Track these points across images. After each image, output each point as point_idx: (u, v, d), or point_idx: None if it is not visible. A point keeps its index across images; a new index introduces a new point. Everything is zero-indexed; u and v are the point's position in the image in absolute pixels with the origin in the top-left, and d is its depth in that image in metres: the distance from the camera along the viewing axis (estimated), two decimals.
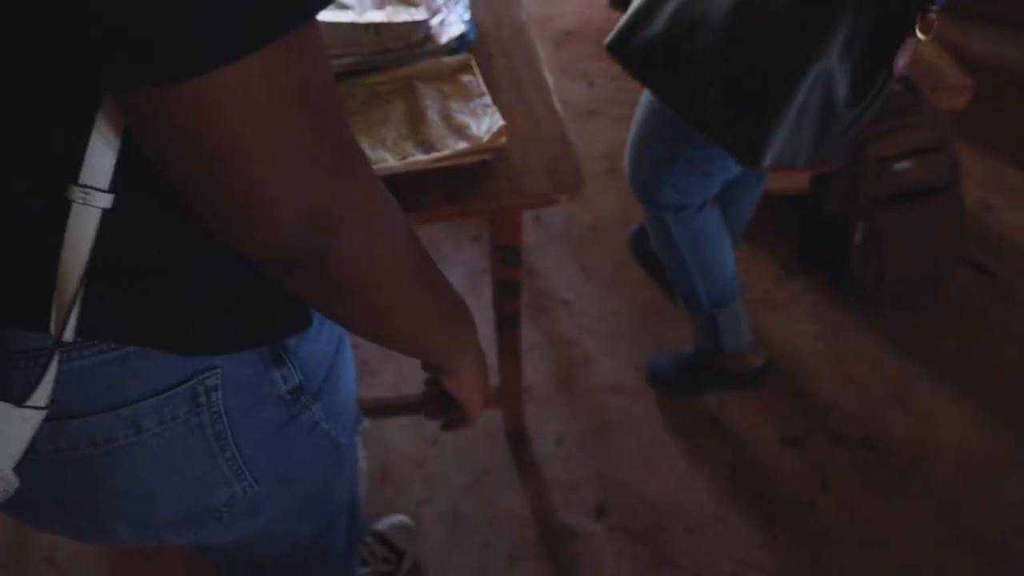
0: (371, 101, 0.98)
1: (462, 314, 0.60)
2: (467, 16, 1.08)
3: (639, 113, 1.25)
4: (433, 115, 0.96)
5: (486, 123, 0.94)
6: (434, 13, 1.08)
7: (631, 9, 1.01)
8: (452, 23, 1.06)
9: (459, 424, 0.73)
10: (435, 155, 0.91)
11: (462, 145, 0.92)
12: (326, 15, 1.05)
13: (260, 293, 0.50)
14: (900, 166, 1.69)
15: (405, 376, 1.66)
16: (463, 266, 1.86)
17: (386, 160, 0.90)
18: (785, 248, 1.89)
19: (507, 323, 1.23)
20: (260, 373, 0.56)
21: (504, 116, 0.97)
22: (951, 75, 1.81)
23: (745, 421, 1.58)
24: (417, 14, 1.06)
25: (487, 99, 0.97)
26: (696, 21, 0.93)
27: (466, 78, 1.01)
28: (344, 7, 1.08)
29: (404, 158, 0.91)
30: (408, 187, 0.91)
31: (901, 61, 0.83)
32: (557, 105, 1.01)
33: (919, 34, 0.80)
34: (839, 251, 1.76)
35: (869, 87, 0.87)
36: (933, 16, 0.79)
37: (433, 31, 1.06)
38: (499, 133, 0.92)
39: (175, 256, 0.47)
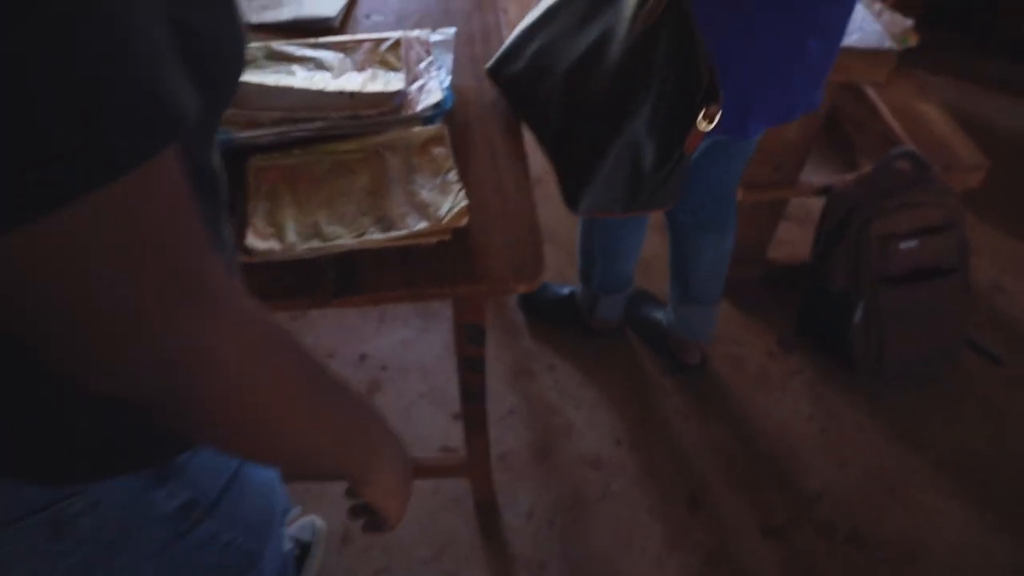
0: (336, 170, 0.95)
1: (367, 425, 0.55)
2: (447, 82, 1.05)
3: None
4: (397, 189, 0.92)
5: (449, 201, 0.90)
6: (414, 79, 1.05)
7: (507, 40, 1.09)
8: (431, 90, 1.03)
9: (379, 528, 0.68)
10: (392, 234, 0.87)
11: (421, 225, 0.88)
12: (301, 76, 1.02)
13: (121, 420, 0.46)
14: (906, 245, 1.63)
15: None
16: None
17: (341, 237, 0.87)
18: (783, 322, 1.83)
19: (472, 398, 1.18)
20: (139, 494, 0.52)
21: (474, 189, 0.94)
22: (966, 153, 1.75)
23: (727, 504, 1.51)
24: (394, 81, 1.02)
25: (454, 174, 0.93)
26: (545, 69, 1.03)
27: (437, 150, 0.97)
28: (323, 68, 1.06)
29: (359, 235, 0.87)
30: (363, 263, 0.87)
31: (691, 144, 0.95)
32: (530, 181, 0.97)
33: (700, 125, 0.92)
34: (839, 328, 1.69)
35: (668, 159, 0.98)
36: (715, 110, 0.90)
37: (410, 97, 1.03)
38: (461, 213, 0.88)
39: (16, 388, 0.43)
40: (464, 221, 0.88)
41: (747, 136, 1.20)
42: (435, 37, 1.12)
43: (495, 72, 1.09)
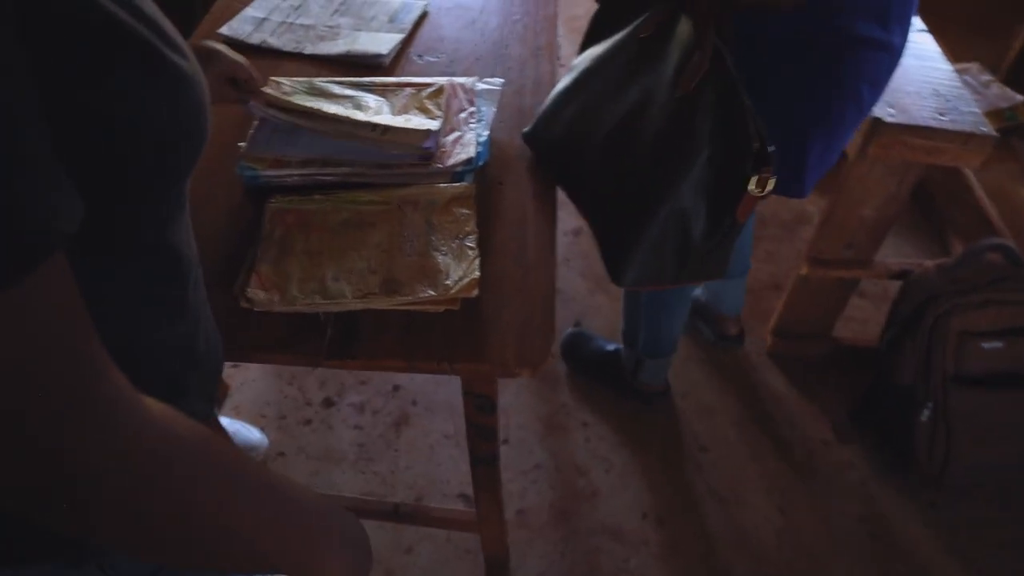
0: (353, 221, 0.91)
1: (302, 521, 0.51)
2: (485, 135, 1.00)
3: None
4: (410, 250, 0.88)
5: (461, 270, 0.85)
6: (451, 130, 1.01)
7: (544, 105, 1.05)
8: (466, 144, 0.99)
9: None
10: (396, 299, 0.83)
11: (429, 292, 0.83)
12: (334, 108, 1.00)
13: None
14: (988, 345, 1.47)
15: (400, 470, 1.57)
16: None
17: (344, 296, 0.83)
18: (841, 408, 1.69)
19: (482, 462, 1.13)
20: None
21: (494, 255, 0.89)
22: None
23: None
24: (430, 124, 0.98)
25: (472, 240, 0.88)
26: (583, 135, 0.98)
27: (460, 210, 0.92)
28: (360, 108, 1.03)
29: (363, 297, 0.83)
30: (364, 324, 0.83)
31: (743, 211, 0.89)
32: (555, 255, 0.91)
33: (753, 191, 0.86)
34: (902, 425, 1.55)
35: (719, 227, 0.92)
36: (767, 175, 0.85)
37: (443, 149, 0.98)
38: (471, 285, 0.83)
39: None
40: (474, 293, 0.83)
41: (804, 195, 1.14)
42: (481, 86, 1.08)
43: (532, 137, 1.05)
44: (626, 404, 1.69)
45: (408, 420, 1.66)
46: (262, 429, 1.59)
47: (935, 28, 1.53)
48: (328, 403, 1.67)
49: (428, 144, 0.96)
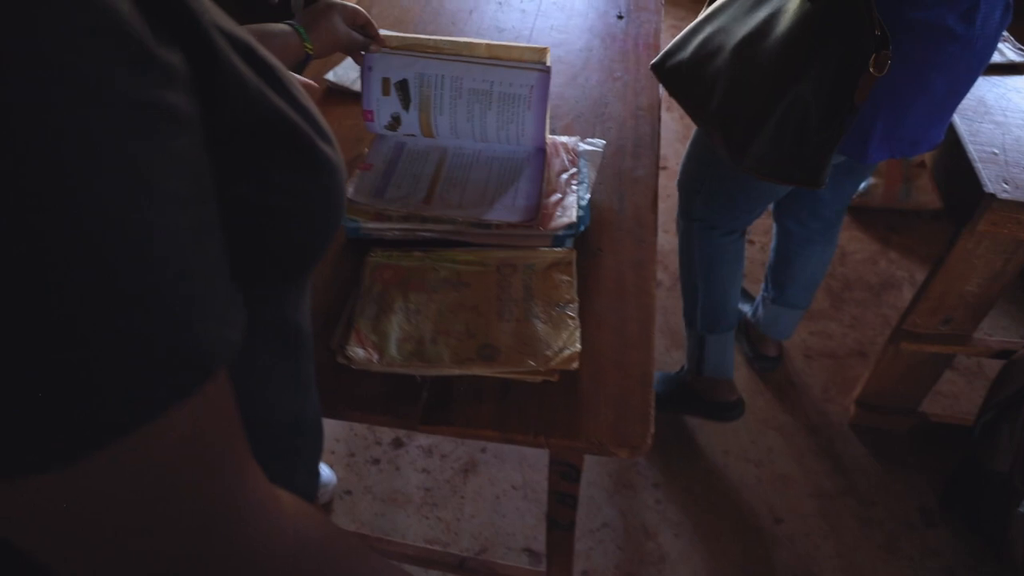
0: (451, 281, 0.90)
1: None
2: (586, 199, 0.99)
3: (694, 132, 1.45)
4: (509, 315, 0.86)
5: (561, 340, 0.83)
6: (552, 191, 1.00)
7: (673, 41, 1.23)
8: (568, 207, 0.97)
9: None
10: (495, 368, 0.81)
11: (528, 364, 0.81)
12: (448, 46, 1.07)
13: None
14: None
15: (466, 518, 1.55)
16: None
17: (443, 361, 0.82)
18: (927, 488, 1.61)
19: (559, 527, 1.10)
20: None
21: (592, 327, 0.87)
22: None
23: None
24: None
25: (573, 309, 0.87)
26: (713, 52, 1.15)
27: (561, 277, 0.91)
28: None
29: (462, 362, 0.82)
30: (460, 389, 0.82)
31: (862, 92, 1.01)
32: (654, 330, 0.88)
33: (872, 70, 0.98)
34: (996, 514, 1.46)
35: (835, 117, 1.05)
36: (885, 56, 0.97)
37: (545, 211, 0.97)
38: (571, 357, 0.81)
39: None
40: (574, 366, 0.81)
41: (866, 160, 1.23)
42: (583, 146, 1.07)
43: (659, 66, 1.23)
44: (698, 469, 1.64)
45: (476, 467, 1.64)
46: (331, 466, 1.59)
47: None
48: (397, 444, 1.67)
49: (538, 80, 1.00)
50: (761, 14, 1.09)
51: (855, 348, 1.89)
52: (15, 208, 0.23)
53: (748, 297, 1.92)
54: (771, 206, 1.57)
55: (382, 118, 1.05)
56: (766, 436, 1.71)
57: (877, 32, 0.97)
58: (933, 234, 2.17)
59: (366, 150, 1.05)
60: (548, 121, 1.05)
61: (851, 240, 2.18)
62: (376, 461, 1.64)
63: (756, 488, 1.62)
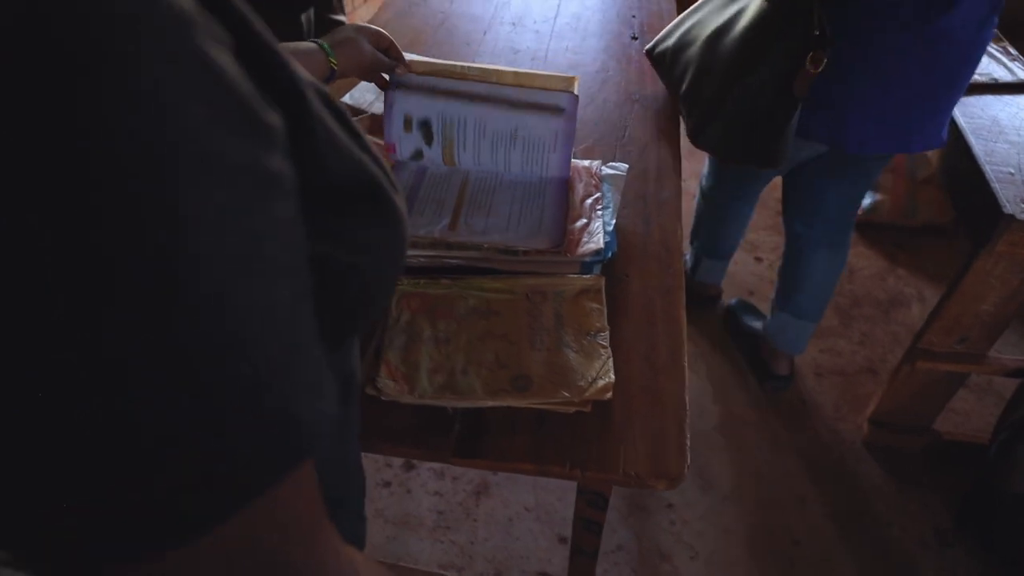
0: (479, 309, 0.89)
1: None
2: (612, 224, 0.98)
3: None
4: (540, 344, 0.85)
5: (594, 370, 0.82)
6: (577, 217, 0.99)
7: (665, 28, 1.37)
8: (594, 232, 0.97)
9: None
10: (529, 399, 0.80)
11: (562, 395, 0.80)
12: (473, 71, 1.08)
13: None
14: None
15: (479, 541, 1.54)
16: None
17: (475, 392, 0.81)
18: (942, 508, 1.60)
19: (583, 554, 1.08)
20: None
21: (622, 355, 0.86)
22: None
23: None
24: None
25: (604, 337, 0.86)
26: (691, 40, 1.27)
27: (590, 304, 0.90)
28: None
29: (494, 394, 0.81)
30: (493, 421, 0.80)
31: (800, 86, 1.12)
32: (685, 356, 0.88)
33: (809, 66, 1.09)
34: (1012, 535, 1.46)
35: (780, 108, 1.15)
36: (821, 56, 1.08)
37: (572, 237, 0.97)
38: (605, 388, 0.80)
39: None
40: (608, 396, 0.80)
41: (850, 149, 1.30)
42: (606, 170, 1.06)
43: (651, 51, 1.36)
44: (717, 487, 1.63)
45: (488, 489, 1.62)
46: None
47: None
48: (409, 466, 1.65)
49: (567, 103, 1.00)
50: (731, 10, 1.21)
51: (865, 365, 1.88)
52: (141, 279, 0.22)
53: (759, 315, 1.92)
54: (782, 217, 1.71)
55: (404, 151, 1.04)
56: (781, 457, 1.70)
57: (817, 32, 1.07)
58: (940, 250, 2.18)
59: None
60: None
61: (858, 257, 2.18)
62: (387, 484, 1.62)
63: (772, 509, 1.61)
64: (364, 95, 1.24)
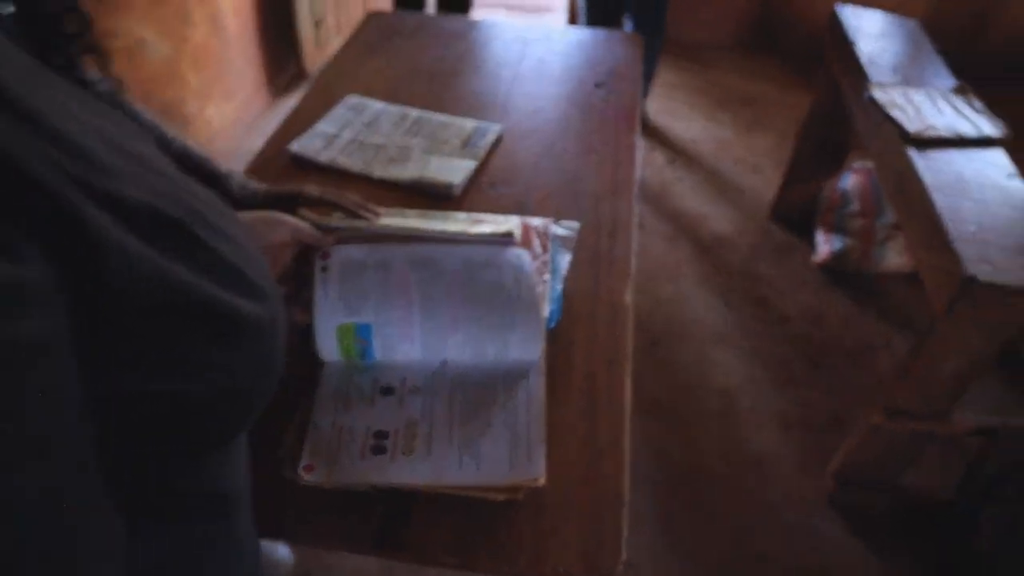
0: None
1: None
2: (559, 289, 0.94)
3: None
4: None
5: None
6: None
7: None
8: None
9: None
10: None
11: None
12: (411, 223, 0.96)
13: None
14: None
15: None
16: None
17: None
18: (915, 568, 1.56)
19: None
20: None
21: (559, 434, 0.81)
22: None
23: None
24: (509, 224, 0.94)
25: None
26: None
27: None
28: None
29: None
30: (419, 512, 0.75)
31: None
32: (627, 438, 0.83)
33: None
34: None
35: None
36: None
37: None
38: (536, 477, 0.75)
39: None
40: (540, 482, 0.76)
41: None
42: (558, 231, 1.02)
43: None
44: (677, 540, 1.58)
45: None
46: (288, 545, 1.51)
47: None
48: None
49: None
50: None
51: (832, 416, 1.85)
52: None
53: None
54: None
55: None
56: (744, 512, 1.65)
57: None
58: (909, 298, 2.16)
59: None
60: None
61: (826, 303, 2.15)
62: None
63: (733, 567, 1.56)
64: (313, 142, 1.19)
